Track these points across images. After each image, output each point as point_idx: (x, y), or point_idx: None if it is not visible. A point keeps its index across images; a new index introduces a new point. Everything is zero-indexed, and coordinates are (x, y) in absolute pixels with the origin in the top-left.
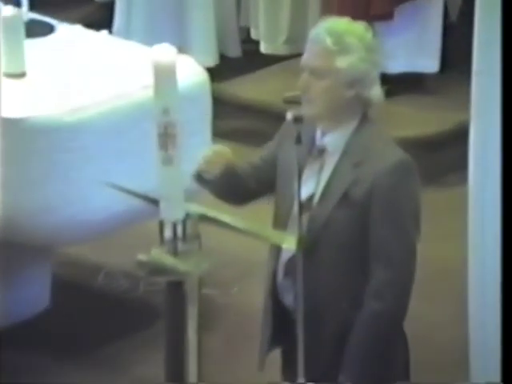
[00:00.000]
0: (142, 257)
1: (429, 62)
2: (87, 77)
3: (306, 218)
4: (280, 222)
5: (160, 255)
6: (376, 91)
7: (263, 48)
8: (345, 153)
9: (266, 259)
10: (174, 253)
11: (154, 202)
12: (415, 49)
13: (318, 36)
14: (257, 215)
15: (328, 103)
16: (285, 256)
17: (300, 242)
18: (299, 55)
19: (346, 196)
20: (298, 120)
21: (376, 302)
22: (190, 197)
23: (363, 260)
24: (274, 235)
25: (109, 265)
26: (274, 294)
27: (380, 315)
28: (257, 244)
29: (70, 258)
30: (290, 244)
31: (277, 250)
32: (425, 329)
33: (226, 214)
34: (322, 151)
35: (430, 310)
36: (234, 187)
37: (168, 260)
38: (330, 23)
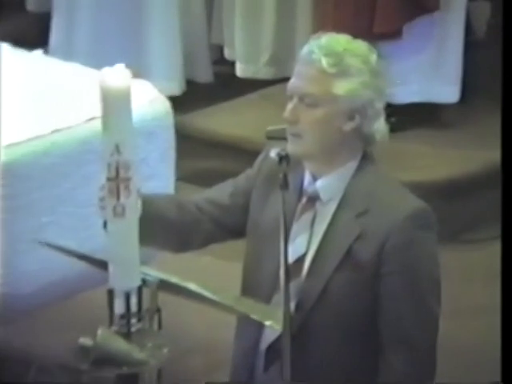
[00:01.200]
0: (84, 341)
1: (447, 90)
2: (16, 107)
3: (295, 285)
4: (254, 292)
5: (108, 338)
6: (380, 126)
7: (240, 71)
8: (344, 201)
9: (234, 341)
10: (127, 334)
11: (101, 266)
12: (430, 73)
13: (312, 55)
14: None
15: (321, 138)
16: (267, 339)
17: (288, 317)
18: (285, 80)
19: (349, 255)
20: (284, 159)
21: None
22: (146, 258)
23: (372, 340)
24: (256, 310)
25: (41, 355)
26: None
27: None
28: (234, 322)
29: None
30: (276, 321)
31: (255, 330)
32: None
33: (194, 280)
34: (313, 199)
35: None
36: (159, 228)
37: (119, 344)
38: (327, 40)
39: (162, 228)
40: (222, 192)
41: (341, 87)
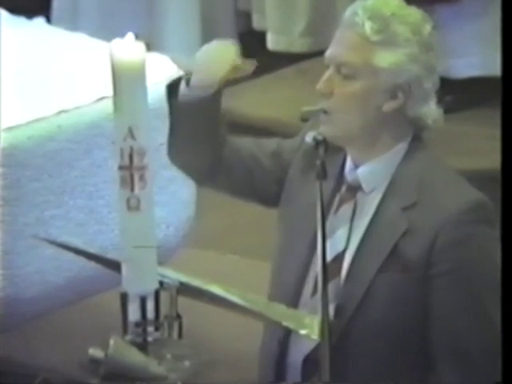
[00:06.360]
0: (94, 352)
1: None
2: (16, 85)
3: (332, 288)
4: (284, 294)
5: (122, 349)
6: (430, 109)
7: (271, 43)
8: (390, 191)
9: (260, 350)
10: (143, 345)
11: (113, 266)
12: (493, 41)
13: (354, 18)
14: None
15: (356, 118)
16: (299, 351)
17: (326, 326)
18: (322, 53)
19: (395, 253)
20: (321, 144)
21: None
22: (164, 258)
23: (421, 352)
24: (289, 316)
25: (45, 368)
26: None
27: None
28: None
29: None
30: (312, 330)
31: (285, 340)
32: None
33: (219, 283)
34: (354, 188)
35: None
36: (208, 132)
37: (134, 356)
38: (375, 1)
39: (211, 135)
40: (265, 151)
41: (383, 58)
